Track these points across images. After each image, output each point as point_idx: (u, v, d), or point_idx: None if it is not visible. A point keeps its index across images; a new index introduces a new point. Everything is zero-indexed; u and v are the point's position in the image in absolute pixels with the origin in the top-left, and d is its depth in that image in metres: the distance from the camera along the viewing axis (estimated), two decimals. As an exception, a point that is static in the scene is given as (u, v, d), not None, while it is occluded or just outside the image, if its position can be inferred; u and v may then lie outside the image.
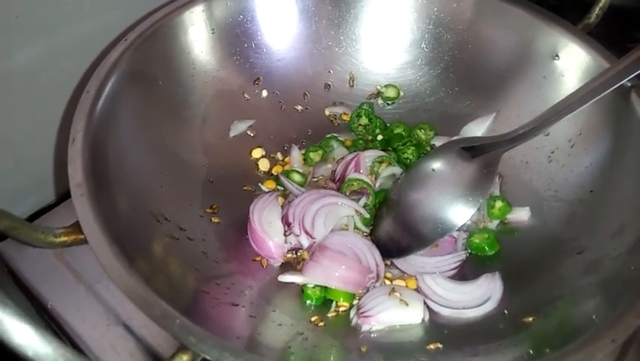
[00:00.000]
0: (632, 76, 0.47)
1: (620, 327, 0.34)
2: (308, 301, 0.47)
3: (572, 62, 0.54)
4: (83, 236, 0.36)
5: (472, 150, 0.52)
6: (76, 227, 0.37)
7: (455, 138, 0.58)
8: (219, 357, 0.31)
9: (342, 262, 0.48)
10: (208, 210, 0.52)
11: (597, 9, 0.58)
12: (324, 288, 0.48)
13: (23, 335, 0.23)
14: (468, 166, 0.51)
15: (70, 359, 0.23)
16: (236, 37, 0.59)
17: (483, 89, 0.60)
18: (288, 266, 0.50)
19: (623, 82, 0.47)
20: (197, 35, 0.56)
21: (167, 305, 0.33)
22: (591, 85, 0.50)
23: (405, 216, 0.52)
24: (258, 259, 0.50)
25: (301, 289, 0.48)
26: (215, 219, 0.51)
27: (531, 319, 0.42)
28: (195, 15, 0.55)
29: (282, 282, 0.48)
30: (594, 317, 0.37)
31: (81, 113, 0.44)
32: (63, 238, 0.37)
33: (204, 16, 0.56)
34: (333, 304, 0.47)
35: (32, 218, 0.60)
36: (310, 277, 0.47)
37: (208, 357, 0.31)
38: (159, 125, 0.51)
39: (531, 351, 0.39)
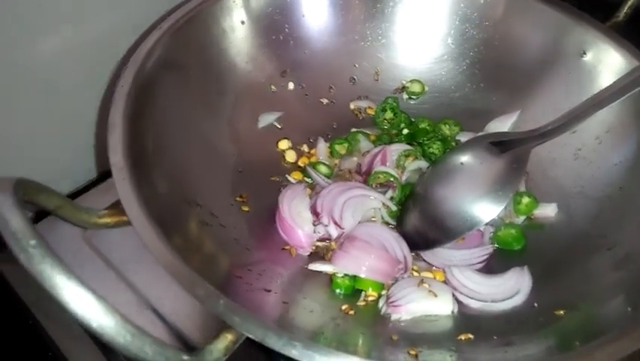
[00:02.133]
0: (663, 74, 0.47)
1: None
2: (337, 290, 0.48)
3: (600, 60, 0.55)
4: (125, 218, 0.36)
5: (501, 144, 0.52)
6: (118, 209, 0.38)
7: (481, 133, 0.59)
8: (263, 336, 0.31)
9: (371, 252, 0.49)
10: (238, 198, 0.52)
11: (626, 7, 0.58)
12: (353, 277, 0.48)
13: (88, 306, 0.23)
14: (497, 161, 0.51)
15: (134, 333, 0.24)
16: (265, 30, 0.59)
17: (509, 85, 0.60)
18: (315, 256, 0.51)
19: (654, 79, 0.48)
20: (228, 26, 0.56)
21: (213, 287, 0.33)
22: (620, 83, 0.50)
23: (432, 209, 0.52)
24: (287, 247, 0.51)
25: (330, 278, 0.49)
26: (244, 208, 0.52)
27: (562, 312, 0.42)
28: (227, 6, 0.56)
29: (310, 271, 0.49)
30: (629, 309, 0.37)
31: (119, 100, 0.44)
32: (106, 220, 0.37)
33: (235, 8, 0.56)
34: (362, 293, 0.48)
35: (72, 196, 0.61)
36: (340, 267, 0.48)
37: (252, 337, 0.32)
38: (192, 113, 0.52)
39: (561, 343, 0.40)
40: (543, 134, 0.51)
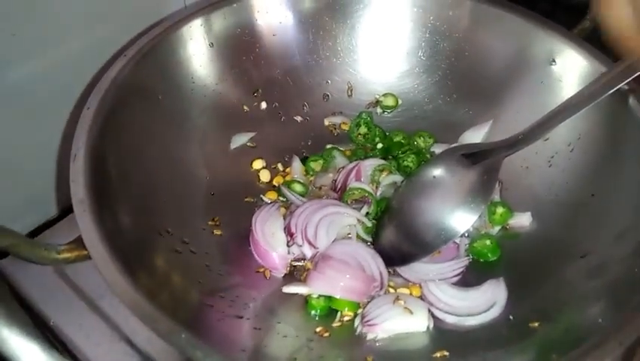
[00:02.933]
0: (629, 79, 0.47)
1: (626, 330, 0.34)
2: (312, 312, 0.47)
3: (569, 67, 0.55)
4: (86, 252, 0.36)
5: (473, 156, 0.52)
6: (79, 243, 0.37)
7: (455, 145, 0.59)
8: (226, 371, 0.31)
9: (346, 271, 0.48)
10: (210, 222, 0.52)
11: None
12: (329, 298, 0.48)
13: (31, 355, 0.22)
14: (469, 173, 0.51)
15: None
16: (235, 50, 0.59)
17: (481, 95, 0.60)
18: (291, 277, 0.50)
19: (620, 85, 0.48)
20: (196, 49, 0.56)
21: (172, 321, 0.33)
22: (589, 89, 0.50)
23: (407, 224, 0.52)
24: (262, 270, 0.50)
25: (305, 299, 0.48)
26: (217, 232, 0.51)
27: (537, 324, 0.42)
28: (194, 29, 0.56)
29: (286, 293, 0.48)
30: (600, 320, 0.37)
31: (82, 129, 0.44)
32: (66, 255, 0.37)
33: (203, 31, 0.56)
34: (338, 314, 0.47)
35: (34, 234, 0.60)
36: (314, 288, 0.47)
37: (215, 371, 0.31)
38: (160, 140, 0.51)
39: (538, 357, 0.39)
40: (513, 144, 0.51)
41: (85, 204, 0.38)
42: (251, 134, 0.60)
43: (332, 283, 0.47)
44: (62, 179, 0.57)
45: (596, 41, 0.55)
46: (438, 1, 0.60)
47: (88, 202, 0.38)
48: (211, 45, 0.57)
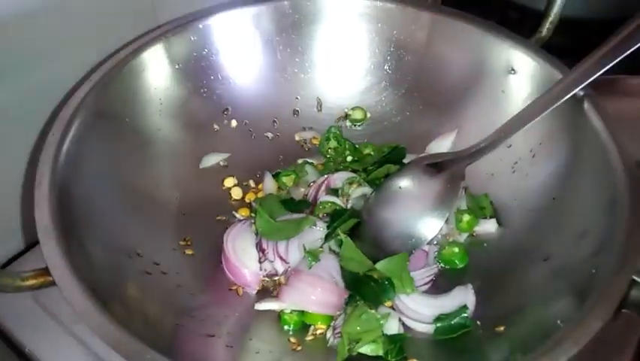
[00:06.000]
0: (582, 85, 0.49)
1: (582, 331, 0.35)
2: (286, 327, 0.48)
3: (528, 75, 0.56)
4: (50, 278, 0.36)
5: (437, 165, 0.53)
6: (45, 269, 0.37)
7: (422, 155, 0.60)
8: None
9: (317, 285, 0.49)
10: (181, 242, 0.52)
11: (547, 23, 0.60)
12: (302, 312, 0.48)
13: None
14: (433, 182, 0.52)
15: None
16: (202, 71, 0.60)
17: (446, 106, 0.62)
18: (264, 293, 0.50)
19: (575, 91, 0.49)
20: (162, 71, 0.57)
21: (138, 342, 0.33)
22: (545, 96, 0.51)
23: (376, 234, 0.53)
24: (234, 287, 0.50)
25: (278, 315, 0.48)
26: (189, 252, 0.52)
27: (502, 328, 0.43)
28: (159, 52, 0.56)
29: (258, 310, 0.48)
30: (559, 322, 0.38)
31: (47, 155, 0.44)
32: (31, 281, 0.37)
33: (168, 53, 0.57)
34: (311, 327, 0.48)
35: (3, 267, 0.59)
36: (287, 303, 0.48)
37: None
38: (128, 163, 0.52)
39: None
40: (475, 153, 0.52)
41: (49, 230, 0.38)
42: (222, 153, 0.60)
43: (304, 297, 0.48)
44: (28, 211, 0.56)
45: (552, 49, 0.57)
46: (400, 16, 0.62)
47: (52, 228, 0.39)
48: (177, 66, 0.58)
